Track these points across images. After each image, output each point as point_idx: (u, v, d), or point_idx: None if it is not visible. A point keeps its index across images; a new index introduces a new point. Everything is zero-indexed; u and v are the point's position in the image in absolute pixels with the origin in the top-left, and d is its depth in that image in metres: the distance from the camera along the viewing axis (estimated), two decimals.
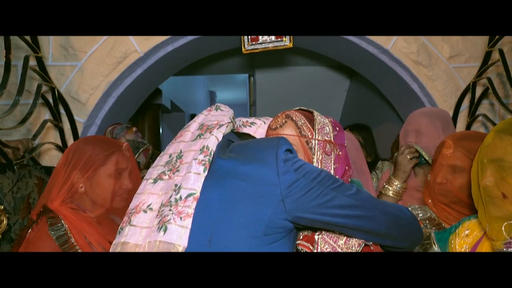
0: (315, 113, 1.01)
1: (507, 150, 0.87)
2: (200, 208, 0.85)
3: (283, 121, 0.99)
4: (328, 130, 0.97)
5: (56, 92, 1.99)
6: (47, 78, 1.95)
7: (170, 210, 0.86)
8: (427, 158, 1.50)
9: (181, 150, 0.96)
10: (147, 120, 4.88)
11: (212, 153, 0.90)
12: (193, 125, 1.01)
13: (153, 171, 0.97)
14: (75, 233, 1.21)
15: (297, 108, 1.03)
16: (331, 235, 0.90)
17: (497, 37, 1.95)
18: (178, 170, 0.92)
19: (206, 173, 0.88)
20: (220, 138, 0.94)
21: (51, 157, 2.07)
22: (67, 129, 2.05)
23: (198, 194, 0.86)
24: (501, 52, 1.86)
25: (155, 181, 0.95)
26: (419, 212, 1.33)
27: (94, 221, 1.26)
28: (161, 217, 0.86)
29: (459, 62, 2.18)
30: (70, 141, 2.06)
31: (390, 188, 1.55)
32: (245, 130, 1.06)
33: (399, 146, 1.66)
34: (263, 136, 1.05)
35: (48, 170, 1.72)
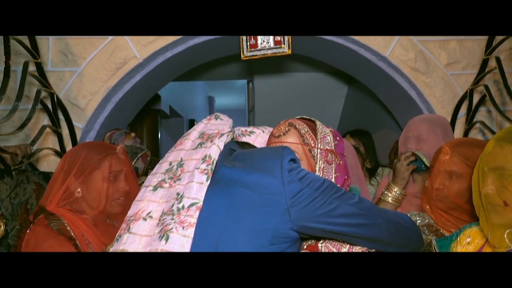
0: (317, 122, 1.02)
1: (507, 158, 0.87)
2: (206, 216, 0.85)
3: (286, 129, 0.99)
4: (329, 139, 0.99)
5: (55, 98, 1.99)
6: (46, 84, 1.95)
7: (172, 219, 0.85)
8: (427, 164, 1.51)
9: (181, 158, 0.96)
10: (146, 126, 4.88)
11: (215, 162, 0.91)
12: (193, 134, 1.01)
13: (153, 179, 0.97)
14: (73, 228, 1.22)
15: (299, 116, 1.04)
16: (334, 243, 0.91)
17: (493, 45, 1.97)
18: (180, 179, 0.92)
19: (208, 182, 0.88)
20: (222, 147, 0.94)
21: (49, 163, 2.07)
22: (66, 135, 2.05)
23: (201, 204, 0.86)
24: (497, 59, 1.87)
25: (155, 188, 0.94)
26: (418, 218, 1.34)
27: (91, 223, 1.27)
28: (162, 226, 0.86)
29: (456, 69, 2.20)
30: (68, 146, 2.05)
31: (390, 195, 1.55)
32: (244, 139, 1.06)
33: (398, 153, 1.66)
34: (262, 145, 1.06)
35: (46, 176, 1.72)
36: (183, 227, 0.83)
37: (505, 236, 0.87)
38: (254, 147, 1.04)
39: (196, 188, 0.87)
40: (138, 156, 2.00)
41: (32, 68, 1.89)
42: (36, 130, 1.94)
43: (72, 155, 1.31)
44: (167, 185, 0.93)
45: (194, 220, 0.84)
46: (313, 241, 0.93)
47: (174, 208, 0.87)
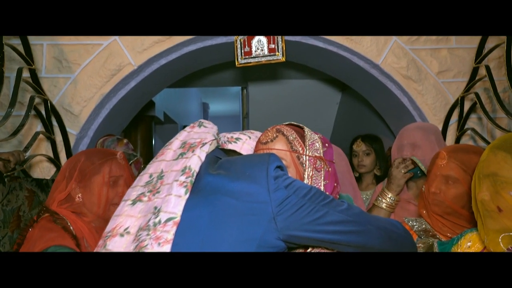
0: (306, 129, 1.00)
1: (500, 165, 0.90)
2: (188, 226, 0.81)
3: (274, 135, 0.97)
4: (318, 146, 0.97)
5: (49, 104, 1.98)
6: (40, 90, 1.95)
7: (147, 234, 0.81)
8: (423, 169, 1.52)
9: (162, 170, 0.92)
10: (140, 132, 4.87)
11: (195, 175, 0.87)
12: (175, 143, 0.96)
13: (132, 192, 0.92)
14: (75, 229, 1.24)
15: (287, 123, 1.02)
16: (323, 251, 0.88)
17: (483, 53, 2.01)
18: (159, 192, 0.88)
19: (187, 195, 0.84)
20: (203, 158, 0.90)
21: (42, 169, 2.05)
22: (59, 141, 2.04)
23: (178, 219, 0.81)
24: (487, 68, 1.91)
25: (133, 202, 0.90)
26: (415, 223, 1.34)
27: (92, 227, 1.29)
28: (138, 242, 0.82)
29: (448, 77, 2.24)
30: (62, 153, 2.04)
31: (384, 201, 1.56)
32: (230, 146, 1.02)
33: (391, 160, 1.68)
34: (249, 152, 1.02)
35: (39, 183, 1.70)
36: (159, 243, 0.79)
37: (500, 240, 0.89)
38: (241, 154, 1.01)
39: (174, 202, 0.83)
40: (131, 162, 1.99)
41: (26, 74, 1.88)
42: (29, 136, 1.93)
43: (72, 161, 1.33)
44: (146, 198, 0.89)
45: (170, 236, 0.79)
46: (301, 250, 0.90)
47: (151, 223, 0.83)
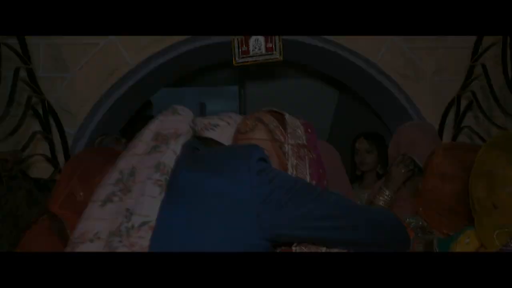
0: (287, 115, 0.92)
1: (494, 162, 0.92)
2: (165, 227, 0.74)
3: (254, 124, 0.89)
4: (300, 133, 0.89)
5: (46, 104, 1.98)
6: (37, 90, 1.94)
7: (120, 241, 0.74)
8: (420, 166, 1.53)
9: (133, 166, 0.83)
10: (138, 132, 4.85)
11: (170, 171, 0.80)
12: (147, 134, 0.88)
13: (101, 191, 0.83)
14: (73, 231, 1.22)
15: (267, 109, 0.94)
16: (310, 246, 0.81)
17: (480, 52, 2.02)
18: (130, 191, 0.80)
19: (163, 195, 0.77)
20: (178, 152, 0.83)
21: (40, 169, 2.05)
22: (57, 141, 2.04)
23: (153, 222, 0.74)
24: (483, 67, 1.92)
25: (103, 203, 0.81)
26: (411, 221, 1.35)
27: None
28: (109, 249, 0.75)
29: (444, 75, 2.25)
30: (59, 153, 2.04)
31: (381, 198, 1.57)
32: (208, 134, 0.92)
33: (389, 159, 1.68)
34: (229, 141, 0.93)
35: (37, 182, 1.70)
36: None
37: (495, 236, 0.90)
38: (219, 143, 0.92)
39: (148, 203, 0.76)
40: None
41: (23, 73, 1.88)
42: (26, 136, 1.93)
43: (76, 159, 1.33)
44: (117, 198, 0.80)
45: (146, 243, 0.73)
46: (286, 246, 0.83)
47: (123, 228, 0.75)
